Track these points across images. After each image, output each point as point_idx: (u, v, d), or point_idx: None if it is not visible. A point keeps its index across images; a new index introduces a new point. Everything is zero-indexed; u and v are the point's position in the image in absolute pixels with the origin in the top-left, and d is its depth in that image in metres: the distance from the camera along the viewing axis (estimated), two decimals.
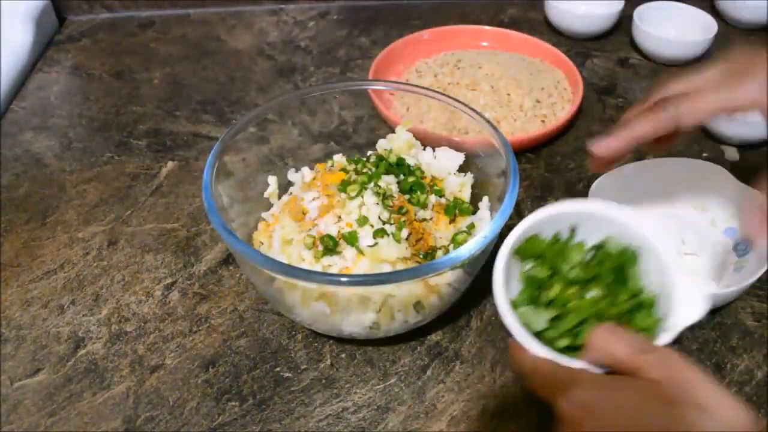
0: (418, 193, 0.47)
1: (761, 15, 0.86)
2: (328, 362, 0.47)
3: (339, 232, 0.44)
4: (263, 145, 0.52)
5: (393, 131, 0.53)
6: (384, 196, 0.45)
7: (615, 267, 0.37)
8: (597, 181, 0.53)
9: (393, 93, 0.72)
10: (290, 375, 0.46)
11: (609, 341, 0.32)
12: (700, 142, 0.65)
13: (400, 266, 0.43)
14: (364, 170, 0.48)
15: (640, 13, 0.82)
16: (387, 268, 0.43)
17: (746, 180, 0.53)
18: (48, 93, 0.75)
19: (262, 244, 0.48)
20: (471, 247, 0.39)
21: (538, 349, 0.34)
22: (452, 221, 0.48)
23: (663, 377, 0.30)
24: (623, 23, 0.85)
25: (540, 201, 0.58)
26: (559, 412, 0.32)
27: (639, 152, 0.58)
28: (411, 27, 0.84)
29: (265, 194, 0.52)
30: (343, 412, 0.44)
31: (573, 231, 0.39)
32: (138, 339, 0.48)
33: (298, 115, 0.54)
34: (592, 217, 0.38)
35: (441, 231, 0.47)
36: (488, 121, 0.48)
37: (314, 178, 0.51)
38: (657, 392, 0.30)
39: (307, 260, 0.45)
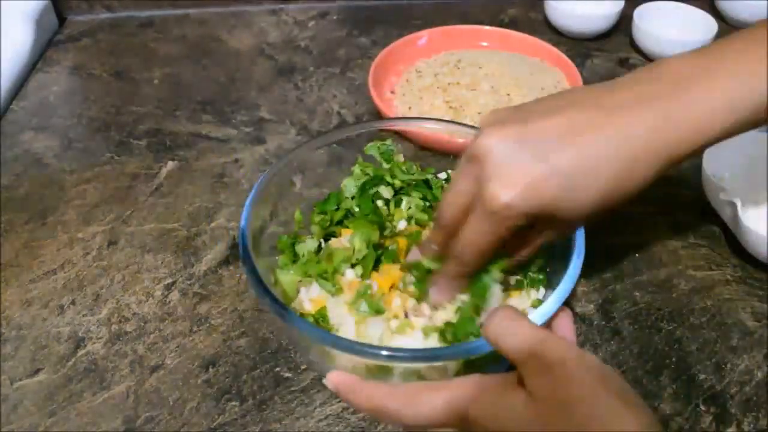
0: None
1: (761, 15, 0.86)
2: None
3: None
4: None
5: (394, 132, 0.53)
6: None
7: None
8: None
9: (394, 92, 0.72)
10: (290, 375, 0.46)
11: (500, 334, 0.30)
12: None
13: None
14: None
15: (640, 13, 0.82)
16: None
17: None
18: (48, 93, 0.75)
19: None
20: None
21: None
22: None
23: (542, 391, 0.27)
24: (623, 23, 0.85)
25: None
26: None
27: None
28: (411, 27, 0.84)
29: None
30: (343, 412, 0.44)
31: None
32: (138, 339, 0.48)
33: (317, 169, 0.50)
34: None
35: None
36: None
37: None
38: (532, 414, 0.27)
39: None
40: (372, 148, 0.49)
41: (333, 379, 0.35)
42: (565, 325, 0.35)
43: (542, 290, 0.42)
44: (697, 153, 0.36)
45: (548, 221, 0.35)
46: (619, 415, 0.25)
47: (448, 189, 0.37)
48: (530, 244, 0.39)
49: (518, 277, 0.42)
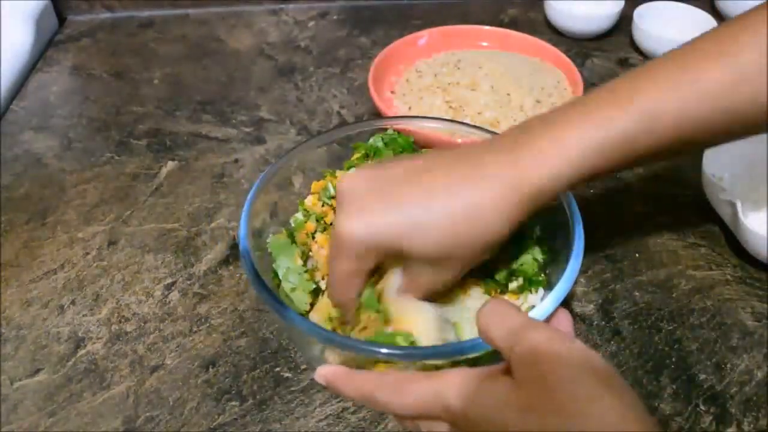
0: None
1: None
2: None
3: None
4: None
5: (394, 131, 0.53)
6: None
7: None
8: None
9: (394, 92, 0.72)
10: (290, 375, 0.46)
11: (489, 324, 0.30)
12: None
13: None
14: None
15: (640, 13, 0.82)
16: None
17: None
18: (48, 93, 0.75)
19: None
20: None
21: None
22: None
23: (526, 375, 0.27)
24: (623, 23, 0.85)
25: None
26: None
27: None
28: (411, 27, 0.84)
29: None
30: (343, 412, 0.44)
31: None
32: (138, 339, 0.48)
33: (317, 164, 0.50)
34: None
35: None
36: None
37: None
38: (514, 397, 0.27)
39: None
40: (376, 140, 0.49)
41: (323, 372, 0.35)
42: (564, 326, 0.35)
43: (541, 291, 0.42)
44: (546, 199, 0.36)
45: (403, 255, 0.36)
46: (600, 398, 0.26)
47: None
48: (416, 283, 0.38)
49: (519, 283, 0.42)
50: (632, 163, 0.37)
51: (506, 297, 0.42)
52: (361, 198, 0.35)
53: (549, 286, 0.41)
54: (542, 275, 0.42)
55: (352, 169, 0.39)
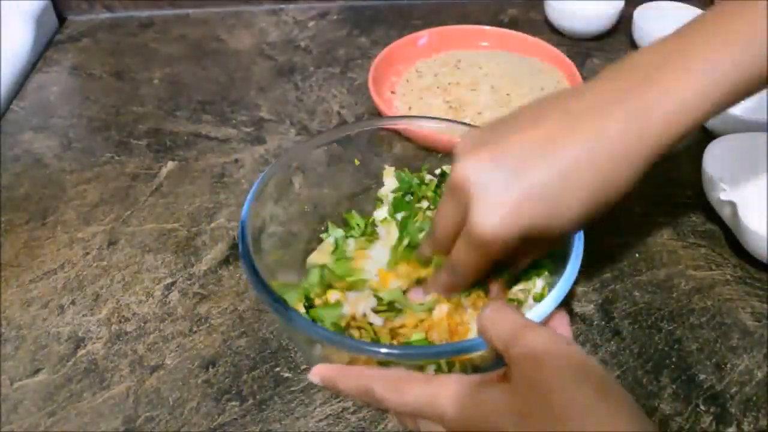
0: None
1: None
2: None
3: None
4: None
5: (395, 132, 0.53)
6: None
7: None
8: (710, 145, 0.56)
9: (394, 92, 0.72)
10: (290, 375, 0.46)
11: (488, 324, 0.30)
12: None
13: None
14: None
15: (640, 13, 0.82)
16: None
17: None
18: (48, 93, 0.75)
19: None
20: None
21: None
22: None
23: (522, 379, 0.27)
24: (623, 23, 0.85)
25: None
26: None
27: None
28: (411, 27, 0.84)
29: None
30: (343, 412, 0.44)
31: None
32: (138, 339, 0.48)
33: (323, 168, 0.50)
34: None
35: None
36: None
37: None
38: (510, 403, 0.27)
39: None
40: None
41: (317, 371, 0.35)
42: (562, 327, 0.35)
43: (546, 274, 0.42)
44: (683, 138, 0.34)
45: (538, 237, 0.35)
46: (596, 405, 0.25)
47: (438, 211, 0.38)
48: (526, 257, 0.40)
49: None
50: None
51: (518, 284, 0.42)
52: (489, 184, 0.33)
53: (549, 286, 0.41)
54: (546, 260, 0.42)
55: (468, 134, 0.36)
